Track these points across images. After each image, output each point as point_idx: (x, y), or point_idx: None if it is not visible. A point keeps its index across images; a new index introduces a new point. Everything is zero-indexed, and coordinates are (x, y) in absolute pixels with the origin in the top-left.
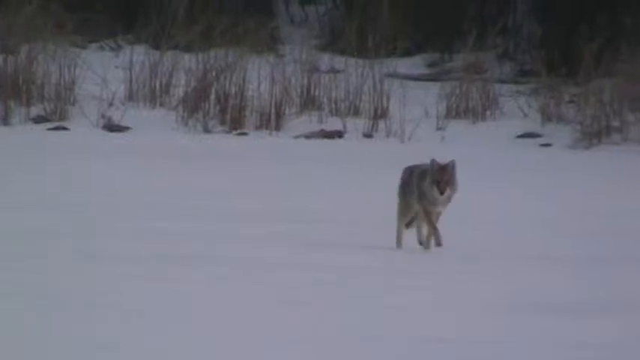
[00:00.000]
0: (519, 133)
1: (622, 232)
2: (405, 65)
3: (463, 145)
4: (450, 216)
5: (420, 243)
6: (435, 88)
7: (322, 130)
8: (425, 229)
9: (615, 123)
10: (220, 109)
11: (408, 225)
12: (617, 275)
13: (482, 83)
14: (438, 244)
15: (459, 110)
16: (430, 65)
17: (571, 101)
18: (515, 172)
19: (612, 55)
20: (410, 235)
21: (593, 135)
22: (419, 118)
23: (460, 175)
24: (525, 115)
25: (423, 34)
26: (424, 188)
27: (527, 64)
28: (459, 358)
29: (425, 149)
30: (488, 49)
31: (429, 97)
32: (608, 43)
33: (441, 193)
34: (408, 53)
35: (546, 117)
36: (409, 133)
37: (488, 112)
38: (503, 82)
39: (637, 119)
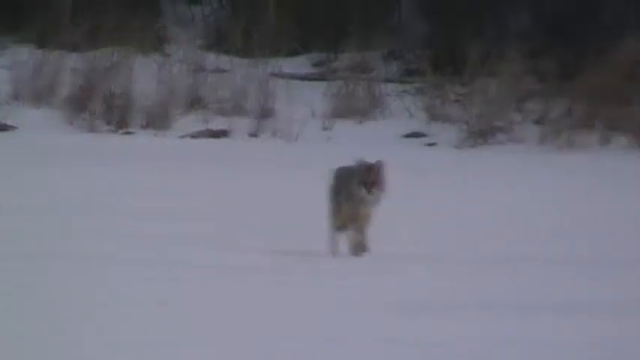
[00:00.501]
0: (405, 133)
1: (507, 231)
2: (290, 65)
3: (349, 145)
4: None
5: (353, 254)
6: (320, 87)
7: (208, 130)
8: (352, 235)
9: (500, 123)
10: (106, 109)
11: (341, 229)
12: (503, 274)
13: (368, 83)
14: (363, 250)
15: (345, 110)
16: (316, 65)
17: (457, 101)
18: (401, 171)
19: (497, 54)
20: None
21: (479, 134)
22: (305, 117)
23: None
24: (411, 115)
25: (309, 33)
26: (352, 189)
27: (413, 64)
28: (355, 358)
29: (311, 149)
30: (373, 49)
31: (314, 96)
32: (494, 43)
33: (369, 192)
34: (293, 53)
35: (432, 116)
36: (295, 133)
37: (374, 112)
38: (389, 81)
39: (522, 119)
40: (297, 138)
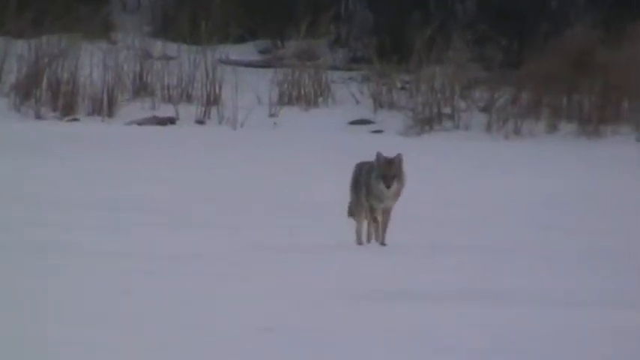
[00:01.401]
0: (351, 120)
1: (449, 218)
2: (237, 52)
3: (296, 132)
4: (287, 205)
5: (382, 244)
6: (267, 74)
7: (155, 117)
8: (370, 227)
9: (446, 110)
10: (52, 96)
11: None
12: (429, 262)
13: (315, 70)
14: (381, 244)
15: (291, 97)
16: (263, 52)
17: (403, 88)
18: (347, 158)
19: (444, 42)
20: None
21: (425, 121)
22: (251, 104)
23: (294, 162)
24: (357, 102)
25: (256, 20)
26: (371, 183)
27: (360, 51)
28: (289, 346)
29: (257, 136)
30: (320, 36)
31: (261, 83)
32: (440, 31)
33: (388, 187)
34: (240, 40)
35: (378, 104)
36: (242, 120)
37: (320, 99)
38: (335, 68)
39: (468, 106)
40: (243, 125)
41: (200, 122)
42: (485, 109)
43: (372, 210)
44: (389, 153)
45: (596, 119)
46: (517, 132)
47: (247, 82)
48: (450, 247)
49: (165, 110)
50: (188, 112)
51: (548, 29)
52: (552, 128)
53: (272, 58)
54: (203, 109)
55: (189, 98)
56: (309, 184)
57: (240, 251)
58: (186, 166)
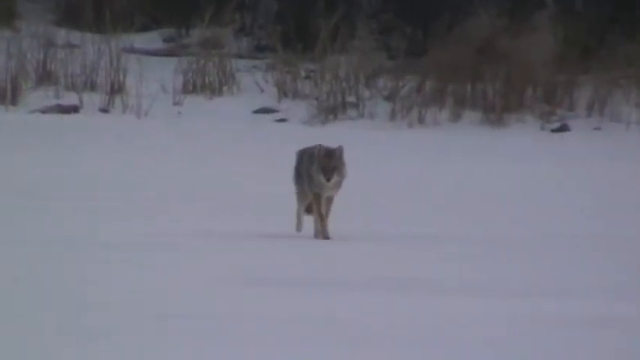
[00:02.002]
0: (256, 109)
1: (361, 205)
2: (142, 40)
3: (200, 120)
4: (193, 192)
5: (316, 236)
6: (172, 63)
7: (58, 105)
8: (315, 219)
9: (351, 98)
10: None
11: (309, 210)
12: (335, 251)
13: (219, 59)
14: (325, 236)
15: (196, 85)
16: (167, 40)
17: (307, 77)
18: (251, 147)
19: (348, 31)
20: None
21: (329, 110)
22: (156, 93)
23: (198, 150)
24: (262, 91)
25: (160, 9)
26: (312, 174)
27: (264, 40)
28: (193, 333)
29: (161, 124)
30: (225, 25)
31: (166, 72)
32: (344, 20)
33: (328, 179)
34: (145, 28)
35: (283, 92)
36: (146, 108)
37: (225, 88)
38: (240, 57)
39: (372, 95)
40: (147, 113)
41: (104, 111)
42: (389, 98)
43: (316, 198)
44: (294, 141)
45: (499, 108)
46: (421, 120)
47: (152, 71)
48: (364, 236)
49: (70, 99)
50: (92, 100)
51: (452, 18)
52: (456, 117)
53: (176, 47)
54: (107, 97)
55: (93, 87)
56: (213, 172)
57: (144, 239)
58: (90, 154)
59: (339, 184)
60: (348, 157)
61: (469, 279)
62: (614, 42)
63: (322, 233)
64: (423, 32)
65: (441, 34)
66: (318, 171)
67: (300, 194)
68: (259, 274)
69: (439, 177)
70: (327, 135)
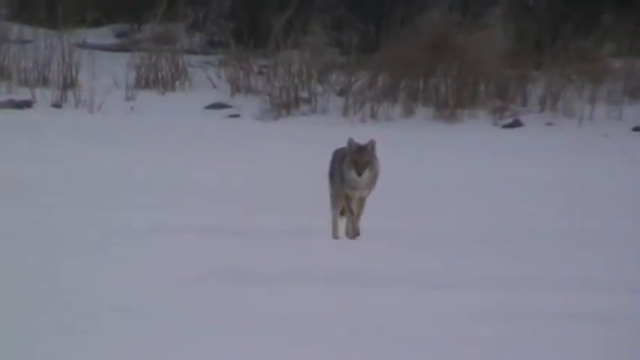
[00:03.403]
0: (208, 104)
1: (312, 201)
2: (94, 36)
3: (153, 116)
4: (147, 186)
5: (347, 234)
6: (124, 58)
7: (11, 100)
8: (347, 217)
9: (304, 94)
10: None
11: (343, 213)
12: (302, 245)
13: (172, 54)
14: (356, 234)
15: (148, 81)
16: (119, 36)
17: (260, 72)
18: (204, 142)
19: (301, 26)
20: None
21: (282, 106)
22: (108, 88)
23: (149, 144)
24: (214, 86)
25: (112, 4)
26: (343, 170)
27: (217, 35)
28: (149, 327)
29: (114, 119)
30: (177, 20)
31: (118, 67)
32: (297, 15)
33: (359, 174)
34: (97, 24)
35: (235, 88)
36: (98, 103)
37: (177, 83)
38: (192, 52)
39: (325, 90)
40: (100, 108)
41: (57, 106)
42: (342, 94)
43: (347, 199)
44: (247, 136)
45: (452, 103)
46: (374, 116)
47: (104, 66)
48: (317, 230)
49: (22, 94)
50: (45, 95)
51: (405, 14)
52: (409, 112)
53: (129, 42)
54: (60, 92)
55: (45, 82)
56: (166, 166)
57: (97, 233)
58: (43, 148)
59: (372, 182)
60: (300, 153)
61: (424, 271)
62: (567, 37)
63: (353, 230)
64: (375, 28)
65: (393, 29)
66: (349, 166)
67: (334, 196)
68: (212, 269)
69: (391, 172)
70: (280, 130)
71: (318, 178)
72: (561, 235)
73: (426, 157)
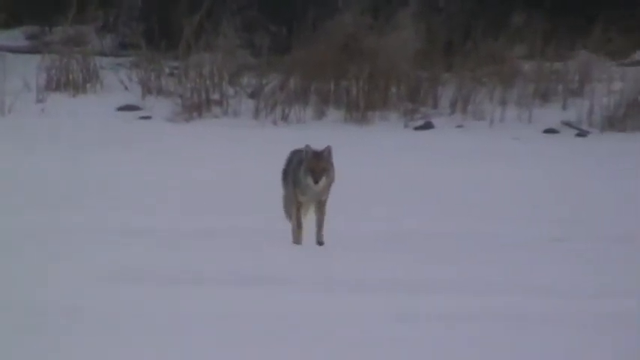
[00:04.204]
0: (119, 106)
1: (234, 202)
2: (3, 38)
3: (64, 118)
4: (57, 190)
5: (318, 243)
6: (35, 60)
7: None
8: (293, 220)
9: (215, 96)
10: None
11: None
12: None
13: (83, 56)
14: (319, 242)
15: (59, 83)
16: (30, 38)
17: (171, 74)
18: (115, 144)
19: (212, 28)
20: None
21: (194, 108)
22: (19, 90)
23: (60, 146)
24: (126, 88)
25: (23, 6)
26: (299, 176)
27: (128, 37)
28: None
29: (25, 121)
30: (88, 22)
31: (28, 69)
32: (209, 17)
33: (315, 182)
34: (6, 26)
35: (147, 90)
36: (8, 106)
37: (88, 85)
38: (104, 54)
39: (236, 92)
40: (10, 111)
41: None
42: (253, 96)
43: (299, 204)
44: (158, 138)
45: (363, 105)
46: (285, 118)
47: (15, 68)
48: (243, 232)
49: None
50: None
51: (316, 16)
52: (320, 114)
53: (40, 44)
54: None
55: None
56: (77, 168)
57: (10, 235)
58: None
59: (327, 188)
60: (212, 155)
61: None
62: (478, 38)
63: (317, 238)
64: (287, 30)
65: (305, 31)
66: (305, 174)
67: (287, 199)
68: (137, 270)
69: None
70: (191, 132)
71: (230, 180)
72: (456, 237)
73: (336, 159)
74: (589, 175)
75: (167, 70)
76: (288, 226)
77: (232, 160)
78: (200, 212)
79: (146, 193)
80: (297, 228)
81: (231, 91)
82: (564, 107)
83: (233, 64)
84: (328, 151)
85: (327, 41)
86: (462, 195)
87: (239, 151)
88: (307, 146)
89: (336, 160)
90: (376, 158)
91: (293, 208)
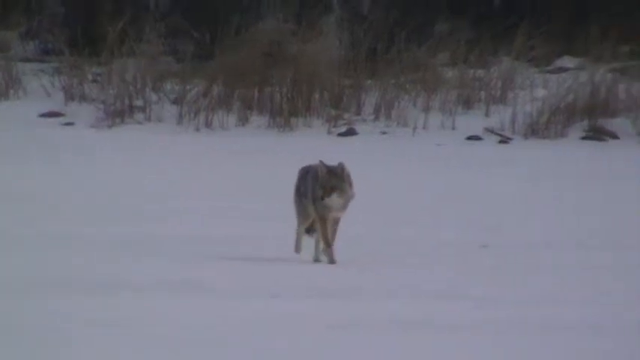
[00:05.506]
0: (42, 112)
1: (146, 209)
2: None
3: None
4: None
5: (315, 260)
6: None
7: None
8: (320, 242)
9: (138, 102)
10: None
11: (310, 231)
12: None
13: (5, 62)
14: (331, 261)
15: None
16: None
17: (94, 80)
18: (37, 150)
19: (136, 34)
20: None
21: (117, 114)
22: None
23: None
24: (48, 94)
25: None
26: (316, 192)
27: (51, 43)
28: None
29: None
30: (11, 28)
31: None
32: (132, 23)
33: (322, 198)
34: None
35: (69, 96)
36: None
37: (11, 91)
38: (26, 60)
39: (160, 98)
40: None
41: None
42: (176, 102)
43: (322, 220)
44: (81, 145)
45: (287, 112)
46: (208, 124)
47: None
48: (156, 238)
49: None
50: None
51: (240, 22)
52: (244, 121)
53: None
54: None
55: None
56: (4, 175)
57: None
58: None
59: (344, 205)
60: (135, 161)
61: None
62: (401, 46)
63: (328, 257)
64: (210, 36)
65: (229, 38)
66: (317, 190)
67: (301, 214)
68: (41, 277)
69: (229, 180)
70: (114, 138)
71: (148, 188)
72: (379, 242)
73: (260, 165)
74: (512, 182)
75: (90, 77)
76: (213, 232)
77: (153, 166)
78: (122, 221)
79: (65, 200)
80: (328, 246)
81: (154, 97)
82: (487, 114)
83: (156, 71)
84: (341, 167)
85: (250, 48)
86: (385, 200)
87: (160, 157)
88: (321, 162)
89: (259, 165)
90: (300, 165)
91: (305, 221)
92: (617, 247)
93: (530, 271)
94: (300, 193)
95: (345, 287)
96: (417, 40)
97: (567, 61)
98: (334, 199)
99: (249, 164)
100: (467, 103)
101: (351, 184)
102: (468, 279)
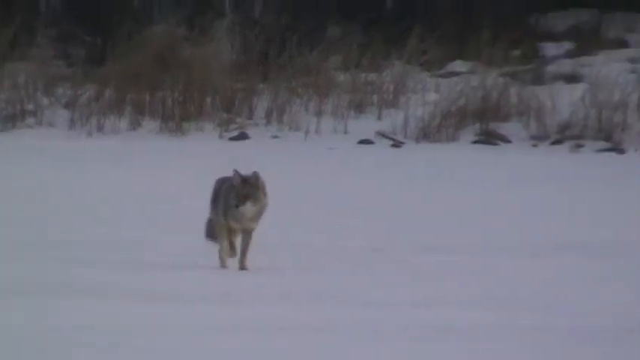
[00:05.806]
0: None
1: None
2: None
3: None
4: None
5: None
6: None
7: None
8: (224, 247)
9: (30, 106)
10: None
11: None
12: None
13: None
14: (242, 267)
15: None
16: None
17: None
18: None
19: (27, 39)
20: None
21: (8, 118)
22: None
23: None
24: None
25: None
26: (229, 202)
27: None
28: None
29: None
30: None
31: None
32: (23, 27)
33: (236, 206)
34: None
35: None
36: None
37: None
38: None
39: (51, 103)
40: None
41: None
42: (68, 106)
43: (230, 231)
44: None
45: (178, 116)
46: (100, 129)
47: None
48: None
49: None
50: None
51: (132, 27)
52: (135, 125)
53: None
54: None
55: None
56: None
57: None
58: None
59: (257, 214)
60: (28, 167)
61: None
62: (293, 50)
63: (240, 262)
64: (102, 41)
65: (120, 42)
66: (233, 199)
67: (217, 226)
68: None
69: (118, 186)
70: (3, 144)
71: (48, 195)
72: (275, 248)
73: (154, 169)
74: (403, 185)
75: None
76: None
77: (45, 172)
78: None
79: None
80: (226, 254)
81: (45, 101)
82: (379, 118)
83: (48, 75)
84: (256, 176)
85: (142, 52)
86: (274, 204)
87: (51, 162)
88: (235, 171)
89: (151, 169)
90: (190, 168)
91: (223, 232)
92: (500, 250)
93: (420, 276)
94: (215, 205)
95: (251, 291)
96: (308, 45)
97: (459, 65)
98: (248, 207)
99: (140, 169)
100: (359, 107)
101: (265, 194)
102: (364, 284)
